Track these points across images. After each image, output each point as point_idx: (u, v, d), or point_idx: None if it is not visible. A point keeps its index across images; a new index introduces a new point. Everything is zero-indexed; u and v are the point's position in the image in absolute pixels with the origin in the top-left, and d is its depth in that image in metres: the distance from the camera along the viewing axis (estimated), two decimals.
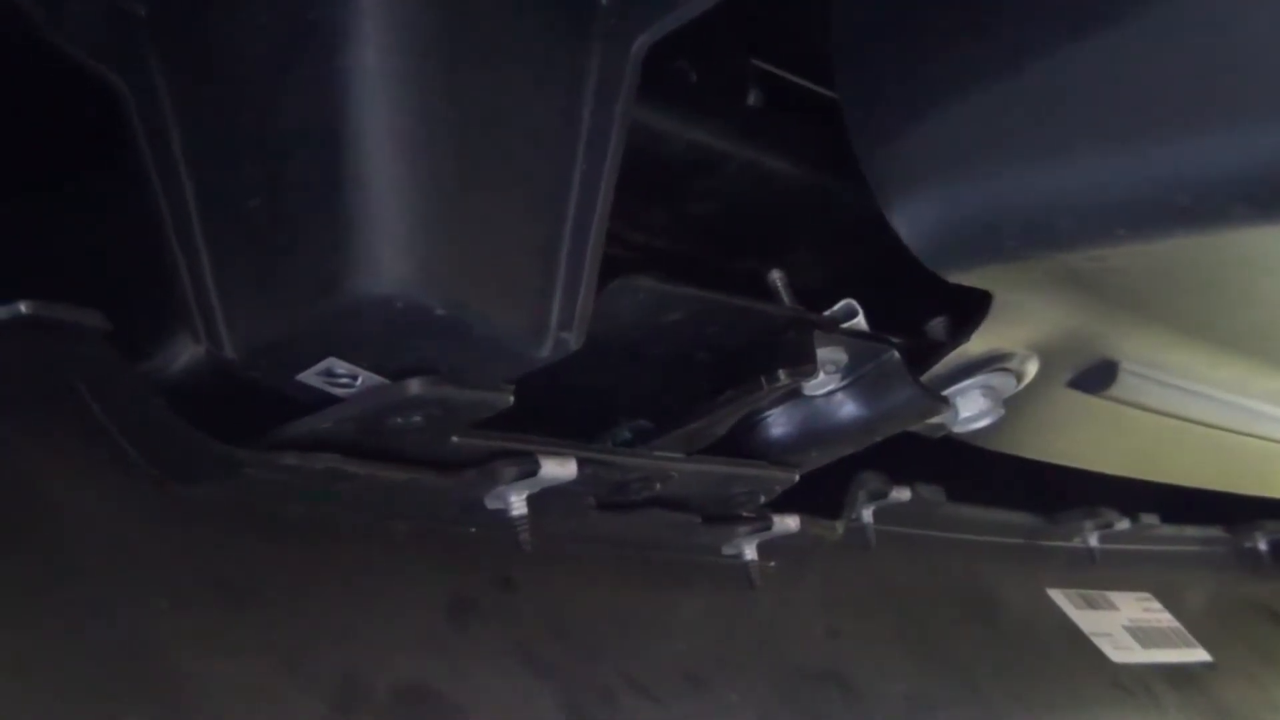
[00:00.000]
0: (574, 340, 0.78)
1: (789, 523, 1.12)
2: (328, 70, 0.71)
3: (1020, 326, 1.05)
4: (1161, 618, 1.60)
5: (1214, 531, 1.79)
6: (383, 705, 0.81)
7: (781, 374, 0.95)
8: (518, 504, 0.92)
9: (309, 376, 0.79)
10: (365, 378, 0.79)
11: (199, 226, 0.76)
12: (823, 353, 0.98)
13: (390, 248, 0.71)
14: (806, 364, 0.96)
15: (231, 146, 0.75)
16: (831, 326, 0.99)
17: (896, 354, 1.02)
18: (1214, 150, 0.80)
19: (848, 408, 1.04)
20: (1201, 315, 1.08)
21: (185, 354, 0.80)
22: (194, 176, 0.76)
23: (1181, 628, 1.60)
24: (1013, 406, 1.13)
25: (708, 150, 0.94)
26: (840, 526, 1.22)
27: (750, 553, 1.13)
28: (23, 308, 0.73)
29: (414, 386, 0.78)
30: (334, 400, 0.80)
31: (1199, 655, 1.57)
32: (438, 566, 0.92)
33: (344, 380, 0.79)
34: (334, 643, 0.82)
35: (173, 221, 0.76)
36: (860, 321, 1.01)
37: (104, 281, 0.79)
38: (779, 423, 1.05)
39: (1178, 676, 1.50)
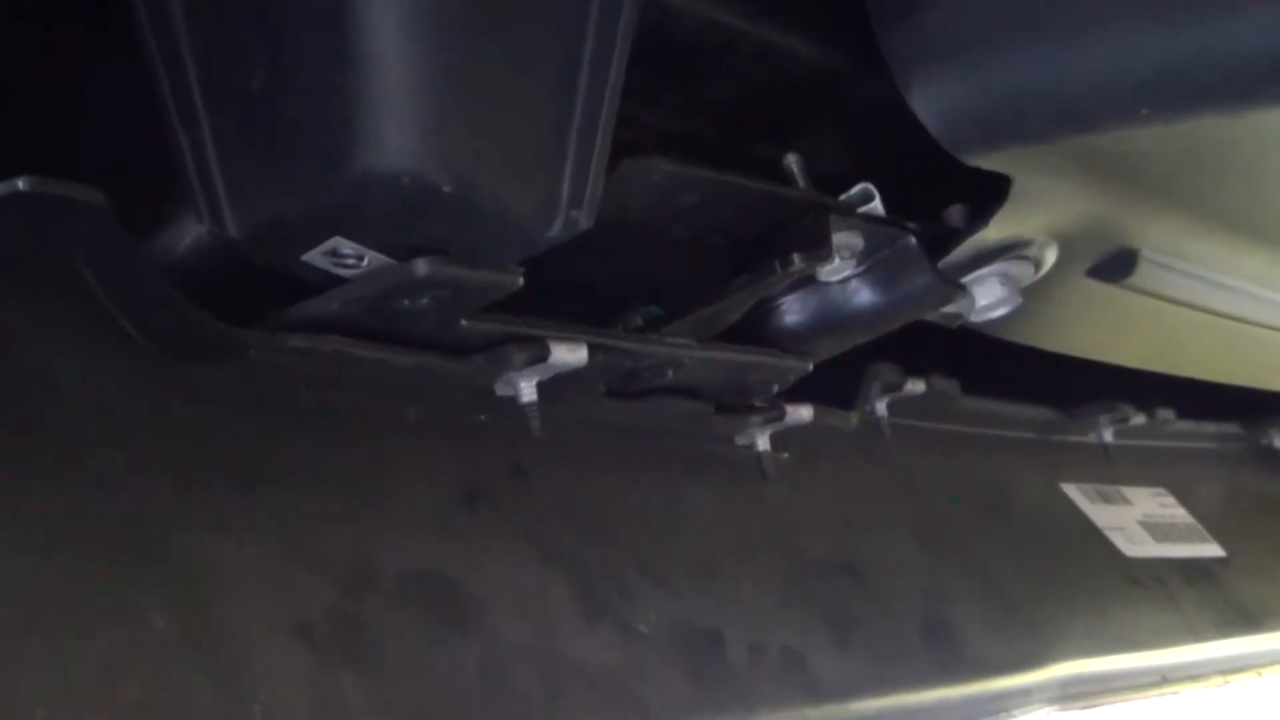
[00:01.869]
0: (584, 219, 0.76)
1: (802, 412, 1.11)
2: None
3: (1040, 212, 1.03)
4: (1176, 513, 1.60)
5: (1230, 427, 1.78)
6: (393, 591, 0.80)
7: (796, 259, 0.94)
8: (528, 390, 0.91)
9: (314, 257, 0.77)
10: (372, 258, 0.77)
11: (201, 104, 0.74)
12: (838, 238, 0.97)
13: (396, 123, 0.70)
14: (822, 249, 0.95)
15: (233, 21, 0.73)
16: (848, 211, 0.98)
17: (914, 239, 1.00)
18: (1243, 28, 0.78)
19: (863, 294, 1.02)
20: (1226, 201, 1.06)
21: (189, 234, 0.79)
22: (195, 52, 0.74)
23: (1195, 523, 1.60)
24: (1030, 296, 1.11)
25: (722, 28, 0.91)
26: (854, 418, 1.21)
27: (763, 443, 1.12)
28: (20, 184, 0.72)
29: (421, 267, 0.77)
30: (341, 281, 0.79)
31: (1213, 550, 1.57)
32: (447, 454, 0.91)
33: (350, 261, 0.78)
34: (343, 528, 0.81)
35: (174, 99, 0.74)
36: (877, 206, 0.99)
37: (105, 160, 0.78)
38: (793, 310, 1.04)
39: (1191, 571, 1.50)
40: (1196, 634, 1.40)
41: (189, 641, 0.69)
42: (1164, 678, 1.33)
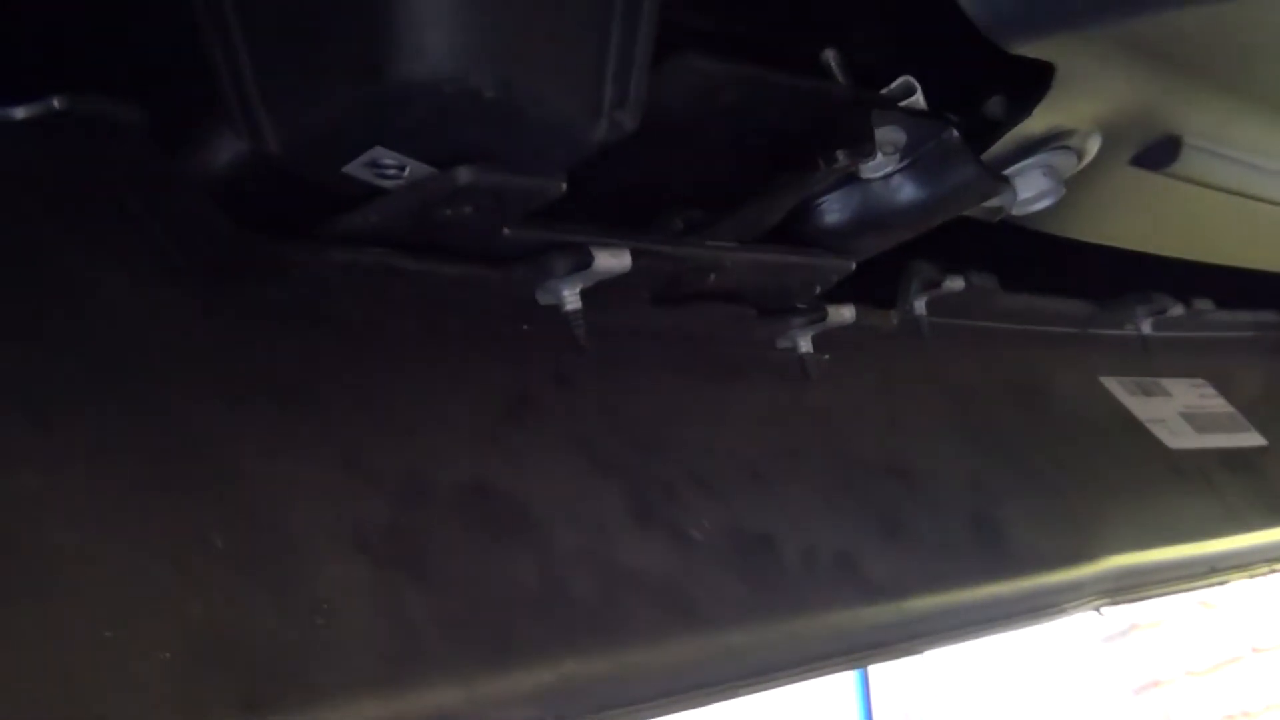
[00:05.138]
0: (629, 121, 0.75)
1: (844, 313, 1.10)
2: None
3: (1083, 101, 1.01)
4: (1216, 403, 1.58)
5: (1267, 315, 1.77)
6: (445, 502, 0.80)
7: (839, 155, 0.92)
8: (571, 299, 0.90)
9: (355, 168, 0.76)
10: (413, 168, 0.76)
11: (233, 13, 0.72)
12: (880, 133, 0.95)
13: (435, 27, 0.68)
14: (865, 144, 0.93)
15: None
16: (889, 105, 0.96)
17: (956, 132, 0.98)
18: None
19: (906, 190, 1.01)
20: (1272, 83, 1.04)
21: (228, 150, 0.77)
22: None
23: (1236, 412, 1.59)
24: (1073, 187, 1.09)
25: None
26: (895, 317, 1.20)
27: (805, 345, 1.11)
28: (56, 103, 0.70)
29: (464, 175, 0.75)
30: (382, 193, 0.78)
31: (1254, 439, 1.56)
32: (493, 364, 0.91)
33: (391, 171, 0.76)
34: (393, 441, 0.80)
35: (206, 8, 0.73)
36: (919, 99, 0.97)
37: (141, 76, 0.76)
38: (834, 208, 1.02)
39: (1233, 460, 1.49)
40: (1242, 523, 1.39)
41: (249, 559, 0.69)
42: (1212, 568, 1.32)
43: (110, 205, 0.75)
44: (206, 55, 0.73)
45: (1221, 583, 1.35)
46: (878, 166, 0.99)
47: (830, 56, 0.96)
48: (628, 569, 0.86)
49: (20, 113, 0.70)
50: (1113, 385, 1.48)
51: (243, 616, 0.66)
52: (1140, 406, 1.48)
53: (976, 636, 1.09)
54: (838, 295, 1.11)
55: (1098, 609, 1.20)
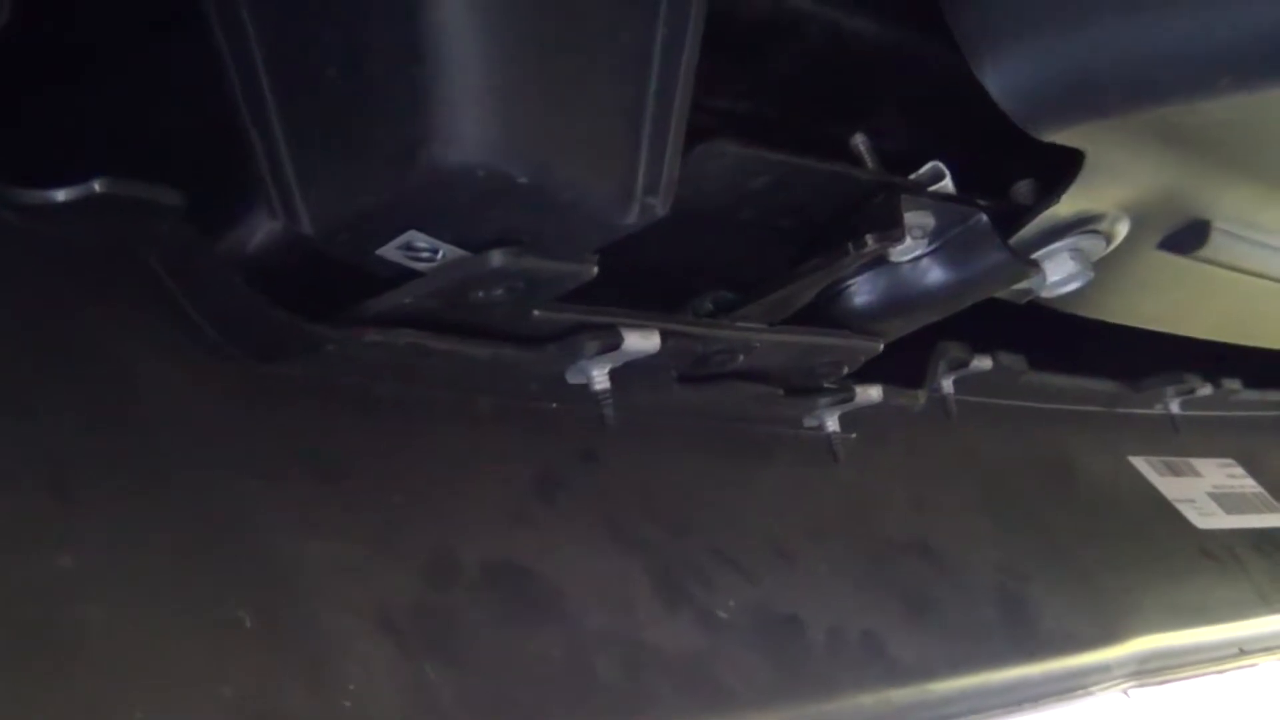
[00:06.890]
0: (660, 206, 0.76)
1: (871, 393, 1.11)
2: None
3: (1112, 186, 1.01)
4: (1245, 483, 1.58)
5: None
6: (475, 581, 0.80)
7: (869, 239, 0.93)
8: (600, 378, 0.91)
9: (389, 251, 0.77)
10: (446, 251, 0.77)
11: (272, 98, 0.73)
12: (910, 217, 0.95)
13: (471, 115, 0.69)
14: (895, 229, 0.94)
15: (305, 12, 0.72)
16: (918, 190, 0.96)
17: (985, 217, 0.99)
18: None
19: (934, 273, 1.01)
20: None
21: (262, 231, 0.78)
22: (265, 45, 0.73)
23: (1265, 493, 1.59)
24: (1101, 269, 1.10)
25: (790, 10, 0.90)
26: (922, 396, 1.20)
27: (832, 424, 1.12)
28: (96, 186, 0.72)
29: (496, 259, 0.76)
30: (415, 275, 0.79)
31: None
32: (522, 443, 0.91)
33: (425, 254, 0.77)
34: (422, 520, 0.81)
35: (244, 94, 0.74)
36: (948, 184, 0.97)
37: (178, 159, 0.78)
38: (863, 291, 1.03)
39: (1263, 541, 1.49)
40: (1271, 605, 1.38)
41: (278, 638, 0.69)
42: (1240, 650, 1.31)
43: (147, 285, 0.77)
44: (244, 140, 0.74)
45: (1250, 665, 1.34)
46: (907, 250, 0.99)
47: (860, 141, 0.97)
48: (654, 649, 0.86)
49: (61, 195, 0.72)
50: (1141, 465, 1.48)
51: (272, 698, 0.67)
52: (1169, 486, 1.47)
53: (1002, 718, 1.09)
54: (865, 375, 1.11)
55: (1125, 691, 1.19)
